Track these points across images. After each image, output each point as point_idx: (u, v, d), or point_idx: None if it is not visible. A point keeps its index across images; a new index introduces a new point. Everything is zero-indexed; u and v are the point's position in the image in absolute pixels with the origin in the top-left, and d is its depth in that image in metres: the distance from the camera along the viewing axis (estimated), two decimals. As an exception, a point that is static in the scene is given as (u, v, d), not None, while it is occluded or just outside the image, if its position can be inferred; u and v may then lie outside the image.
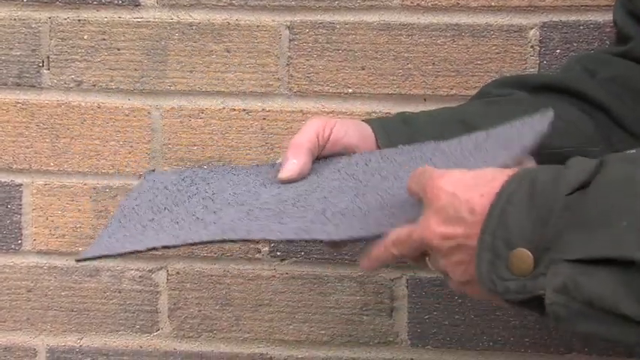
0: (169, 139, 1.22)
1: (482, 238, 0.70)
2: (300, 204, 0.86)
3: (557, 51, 1.16)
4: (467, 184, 0.73)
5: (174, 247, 0.83)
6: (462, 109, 1.01)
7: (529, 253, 0.69)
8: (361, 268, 0.84)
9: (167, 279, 1.23)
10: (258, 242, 0.84)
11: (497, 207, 0.70)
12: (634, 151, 0.69)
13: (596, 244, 0.66)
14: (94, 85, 1.22)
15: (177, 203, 0.90)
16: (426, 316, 1.20)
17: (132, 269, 1.23)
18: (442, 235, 0.73)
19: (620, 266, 0.64)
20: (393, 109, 1.16)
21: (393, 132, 0.95)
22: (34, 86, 1.23)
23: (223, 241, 0.83)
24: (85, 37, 1.21)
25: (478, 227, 0.71)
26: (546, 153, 0.92)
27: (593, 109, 0.97)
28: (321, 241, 0.82)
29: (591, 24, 1.15)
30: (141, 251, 0.84)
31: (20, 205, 1.24)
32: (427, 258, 0.78)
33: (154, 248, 0.83)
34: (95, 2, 1.21)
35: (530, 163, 0.80)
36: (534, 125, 0.82)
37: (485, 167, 0.77)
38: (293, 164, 0.92)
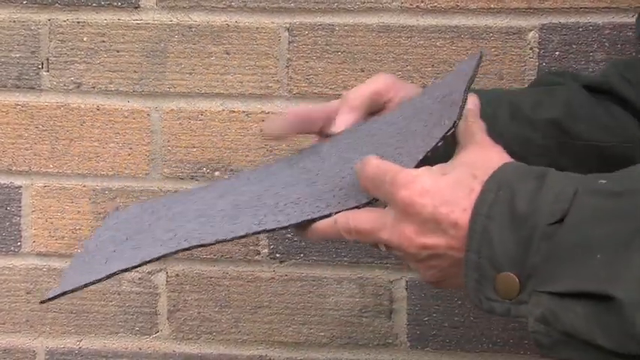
0: (169, 141, 1.22)
1: (468, 256, 0.71)
2: (253, 204, 0.86)
3: (557, 53, 1.16)
4: (444, 196, 0.72)
5: (132, 268, 0.83)
6: (510, 91, 1.04)
7: (515, 278, 0.69)
8: (302, 237, 0.83)
9: (166, 281, 1.23)
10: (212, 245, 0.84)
11: (479, 222, 0.70)
12: (605, 181, 0.70)
13: (573, 278, 0.67)
14: (94, 87, 1.22)
15: (139, 231, 0.90)
16: (426, 318, 1.20)
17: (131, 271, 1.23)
18: (422, 246, 0.73)
19: (595, 300, 0.66)
20: (392, 110, 1.16)
21: None
22: (34, 88, 1.23)
23: (177, 252, 0.82)
24: (85, 39, 1.21)
25: (462, 241, 0.71)
26: (586, 145, 0.94)
27: (636, 112, 0.99)
28: (274, 230, 0.81)
29: (590, 26, 1.15)
30: (100, 280, 0.83)
31: (20, 207, 1.24)
32: (382, 246, 0.78)
33: (114, 274, 0.83)
34: (94, 4, 1.21)
35: (471, 101, 0.80)
36: (464, 69, 0.83)
37: (427, 129, 0.79)
38: (341, 120, 0.94)
